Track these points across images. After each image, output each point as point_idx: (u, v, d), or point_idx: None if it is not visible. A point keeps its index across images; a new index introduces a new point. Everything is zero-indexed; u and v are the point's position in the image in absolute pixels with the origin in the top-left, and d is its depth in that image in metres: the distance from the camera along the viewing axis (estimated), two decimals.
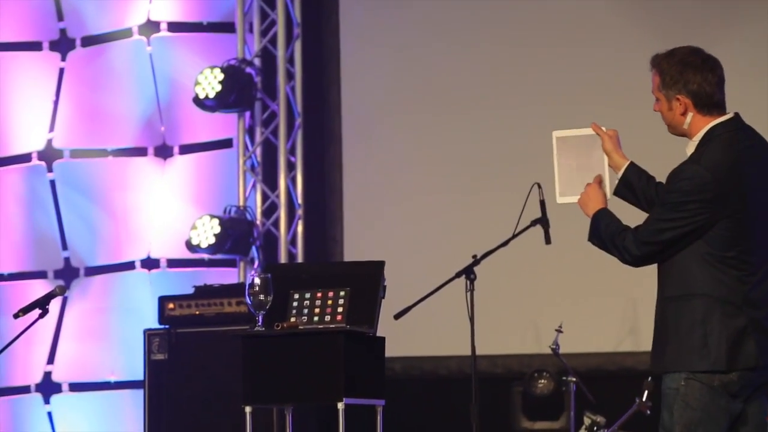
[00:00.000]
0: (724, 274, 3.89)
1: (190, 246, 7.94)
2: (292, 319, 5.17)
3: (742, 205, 3.91)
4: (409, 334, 7.34)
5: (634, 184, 4.09)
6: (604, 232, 4.00)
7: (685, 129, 4.01)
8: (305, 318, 5.17)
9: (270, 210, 8.24)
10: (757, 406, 3.99)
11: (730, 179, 3.91)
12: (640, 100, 4.46)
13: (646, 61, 4.06)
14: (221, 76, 7.90)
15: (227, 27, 8.36)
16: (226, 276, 8.13)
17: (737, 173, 3.93)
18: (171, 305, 6.65)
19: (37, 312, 5.15)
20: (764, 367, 3.91)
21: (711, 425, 3.88)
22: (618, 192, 4.12)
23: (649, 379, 6.22)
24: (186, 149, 8.48)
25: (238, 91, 7.98)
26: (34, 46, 8.66)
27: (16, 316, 5.12)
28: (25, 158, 8.64)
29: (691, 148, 4.01)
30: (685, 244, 3.91)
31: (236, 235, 7.98)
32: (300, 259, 8.16)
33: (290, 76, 8.22)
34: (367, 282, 5.19)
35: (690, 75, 3.97)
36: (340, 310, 5.16)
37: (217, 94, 7.90)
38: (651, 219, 3.96)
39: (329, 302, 5.18)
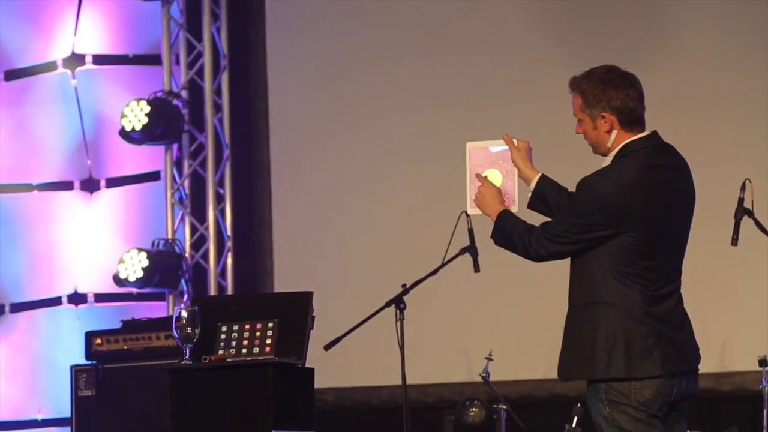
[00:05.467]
0: (628, 287, 3.95)
1: (117, 280, 7.87)
2: (220, 352, 5.13)
3: (648, 222, 3.97)
4: (341, 365, 7.32)
5: (547, 195, 4.15)
6: (511, 229, 4.06)
7: (608, 147, 4.06)
8: (233, 350, 5.13)
9: (199, 242, 8.19)
10: (677, 426, 4.03)
11: (636, 195, 3.96)
12: (563, 112, 4.50)
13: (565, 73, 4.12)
14: (148, 109, 7.87)
15: (153, 59, 8.33)
16: (156, 310, 8.06)
17: (644, 190, 3.98)
18: (98, 340, 6.58)
19: None
20: (673, 378, 3.96)
21: None
22: (531, 205, 4.18)
23: (579, 405, 6.25)
24: (113, 182, 8.42)
25: (165, 124, 7.95)
26: None
27: None
28: None
29: (606, 162, 4.07)
30: (587, 248, 3.97)
31: (165, 269, 7.92)
32: (230, 291, 8.12)
33: (218, 107, 8.20)
34: (295, 313, 5.16)
35: (612, 92, 4.03)
36: (268, 341, 5.12)
37: (144, 126, 7.86)
38: (558, 219, 4.03)
39: (257, 334, 5.14)
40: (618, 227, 3.94)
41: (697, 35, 7.40)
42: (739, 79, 7.29)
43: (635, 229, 3.95)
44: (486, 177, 4.15)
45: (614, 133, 4.03)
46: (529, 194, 4.16)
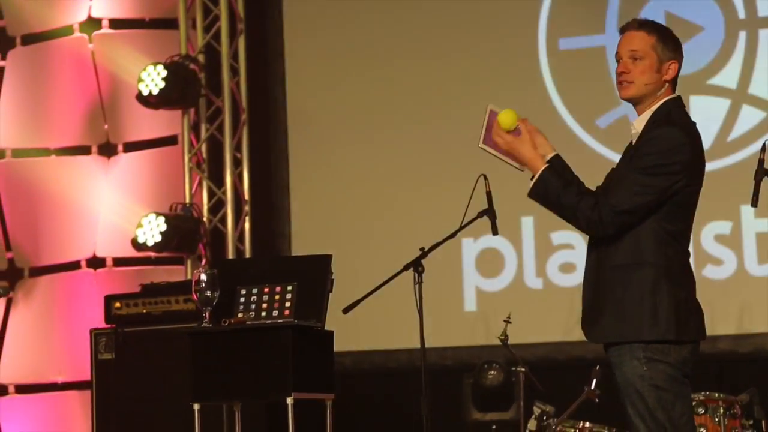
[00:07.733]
0: (670, 247, 3.91)
1: (136, 244, 7.89)
2: (240, 315, 5.15)
3: (697, 180, 3.97)
4: (359, 328, 7.33)
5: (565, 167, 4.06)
6: (566, 200, 3.91)
7: (656, 96, 3.99)
8: (253, 313, 5.14)
9: (217, 207, 8.20)
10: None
11: (695, 148, 3.96)
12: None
13: None
14: (164, 73, 7.85)
15: (170, 23, 8.31)
16: (174, 274, 8.08)
17: (698, 145, 3.98)
18: (117, 304, 6.59)
19: None
20: (698, 342, 3.97)
21: (685, 401, 3.91)
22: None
23: (597, 367, 6.24)
24: (130, 147, 8.43)
25: (182, 88, 7.94)
26: None
27: None
28: None
29: (641, 121, 4.01)
30: (654, 211, 3.89)
31: (183, 233, 7.94)
32: (248, 255, 8.13)
33: (235, 71, 8.18)
34: (314, 276, 5.18)
35: (681, 50, 4.06)
36: (287, 304, 5.14)
37: (161, 90, 7.85)
38: (626, 185, 3.90)
39: (276, 297, 5.16)
40: (688, 178, 3.89)
41: None
42: None
43: (690, 183, 3.92)
44: (497, 115, 3.99)
45: (667, 85, 4.01)
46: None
